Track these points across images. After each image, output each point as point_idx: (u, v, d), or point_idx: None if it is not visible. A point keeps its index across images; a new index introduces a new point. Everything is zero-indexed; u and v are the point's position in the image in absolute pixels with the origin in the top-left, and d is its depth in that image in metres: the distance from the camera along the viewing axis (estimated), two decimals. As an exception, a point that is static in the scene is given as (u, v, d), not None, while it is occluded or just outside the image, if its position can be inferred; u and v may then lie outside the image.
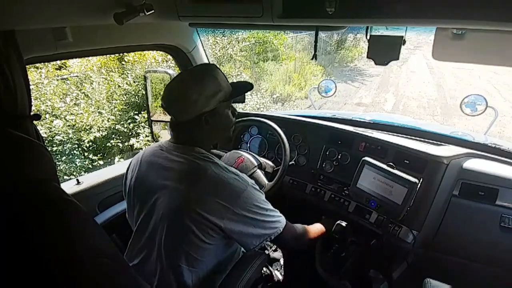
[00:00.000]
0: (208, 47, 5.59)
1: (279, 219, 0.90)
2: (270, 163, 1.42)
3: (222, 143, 0.94)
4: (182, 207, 0.79)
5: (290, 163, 1.40)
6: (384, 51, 0.93)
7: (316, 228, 1.12)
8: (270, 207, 0.89)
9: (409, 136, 1.36)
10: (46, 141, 3.56)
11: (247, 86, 0.97)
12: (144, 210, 0.87)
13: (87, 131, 3.87)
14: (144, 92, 3.09)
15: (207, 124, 0.85)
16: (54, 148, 3.66)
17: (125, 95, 4.29)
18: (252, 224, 0.83)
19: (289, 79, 7.36)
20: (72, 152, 3.76)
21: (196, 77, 0.84)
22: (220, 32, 5.96)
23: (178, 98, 0.83)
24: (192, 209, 0.77)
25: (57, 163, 3.56)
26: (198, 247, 0.80)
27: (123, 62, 4.48)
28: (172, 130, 0.90)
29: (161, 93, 0.88)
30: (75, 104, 3.96)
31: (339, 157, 1.39)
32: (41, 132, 0.90)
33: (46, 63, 3.89)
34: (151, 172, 0.87)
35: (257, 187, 0.88)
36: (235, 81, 1.10)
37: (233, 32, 6.30)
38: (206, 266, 0.86)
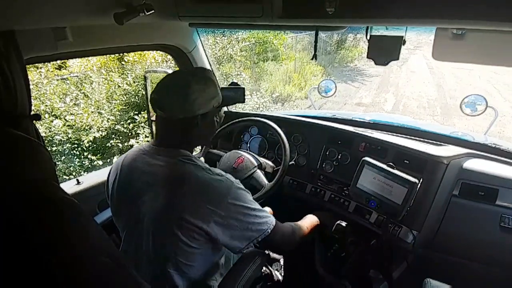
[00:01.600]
0: (208, 47, 5.58)
1: (267, 220, 0.86)
2: (270, 163, 1.42)
3: (202, 146, 0.94)
4: (166, 213, 0.77)
5: (290, 163, 1.40)
6: (384, 51, 0.93)
7: (307, 223, 1.08)
8: (258, 206, 0.86)
9: (409, 136, 1.36)
10: (46, 141, 3.56)
11: (237, 98, 0.99)
12: (129, 217, 0.85)
13: (87, 131, 3.87)
14: (144, 92, 3.10)
15: (196, 126, 0.83)
16: (54, 148, 3.66)
17: (125, 95, 4.29)
18: (238, 226, 0.80)
19: (289, 79, 7.36)
20: (71, 152, 3.77)
21: (199, 78, 0.83)
22: (220, 32, 5.95)
23: (178, 93, 0.80)
24: (176, 214, 0.76)
25: (56, 163, 3.56)
26: (185, 252, 0.79)
27: (123, 62, 4.48)
28: (159, 129, 0.87)
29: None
30: (74, 104, 3.97)
31: (339, 157, 1.39)
32: (40, 132, 0.90)
33: (46, 63, 3.89)
34: (132, 178, 0.85)
35: (242, 186, 0.85)
36: (235, 80, 1.11)
37: (233, 32, 6.29)
38: (197, 270, 0.84)
